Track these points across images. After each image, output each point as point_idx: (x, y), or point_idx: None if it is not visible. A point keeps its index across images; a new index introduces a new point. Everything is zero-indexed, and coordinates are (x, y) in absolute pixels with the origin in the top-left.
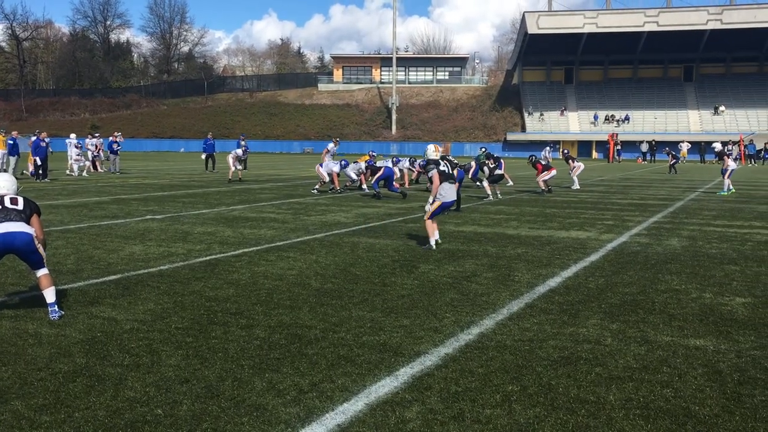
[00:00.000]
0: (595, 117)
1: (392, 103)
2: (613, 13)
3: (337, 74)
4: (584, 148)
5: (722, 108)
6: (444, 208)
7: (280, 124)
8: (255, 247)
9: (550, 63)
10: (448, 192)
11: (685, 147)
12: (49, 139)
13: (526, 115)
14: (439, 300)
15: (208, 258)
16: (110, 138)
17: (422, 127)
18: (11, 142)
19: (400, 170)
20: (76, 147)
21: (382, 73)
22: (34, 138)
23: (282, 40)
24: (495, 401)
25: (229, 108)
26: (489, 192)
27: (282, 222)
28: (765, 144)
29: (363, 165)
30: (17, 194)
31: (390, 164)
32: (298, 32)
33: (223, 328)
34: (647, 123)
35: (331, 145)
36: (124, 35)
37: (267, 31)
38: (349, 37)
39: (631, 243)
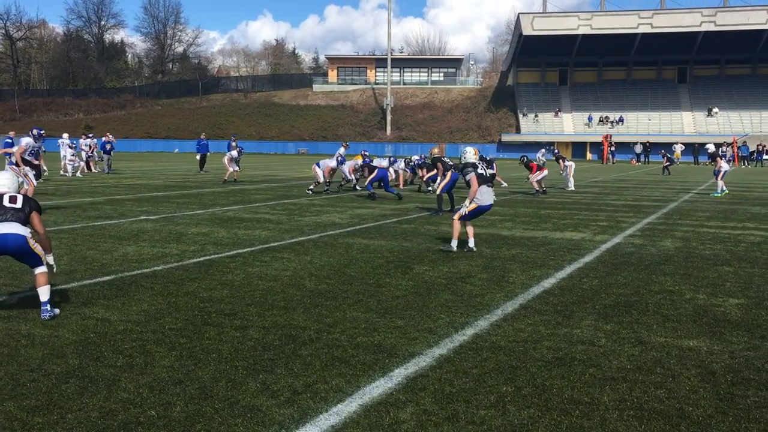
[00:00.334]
0: (590, 118)
1: (387, 104)
2: (607, 15)
3: (332, 75)
4: (578, 149)
5: (716, 110)
6: (481, 211)
7: (275, 125)
8: (249, 247)
9: (544, 64)
10: (485, 195)
11: (678, 148)
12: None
13: (520, 116)
14: (433, 301)
15: (202, 259)
16: (103, 138)
17: (417, 128)
18: (9, 141)
19: (395, 171)
20: (70, 147)
21: (377, 74)
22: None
23: (277, 40)
24: (489, 402)
25: (223, 108)
26: None
27: (276, 223)
28: (758, 145)
29: (360, 162)
30: (17, 192)
31: (386, 164)
32: (293, 33)
33: (217, 329)
34: (641, 124)
35: (342, 150)
36: (119, 35)
37: (262, 31)
38: (344, 37)
39: (625, 244)
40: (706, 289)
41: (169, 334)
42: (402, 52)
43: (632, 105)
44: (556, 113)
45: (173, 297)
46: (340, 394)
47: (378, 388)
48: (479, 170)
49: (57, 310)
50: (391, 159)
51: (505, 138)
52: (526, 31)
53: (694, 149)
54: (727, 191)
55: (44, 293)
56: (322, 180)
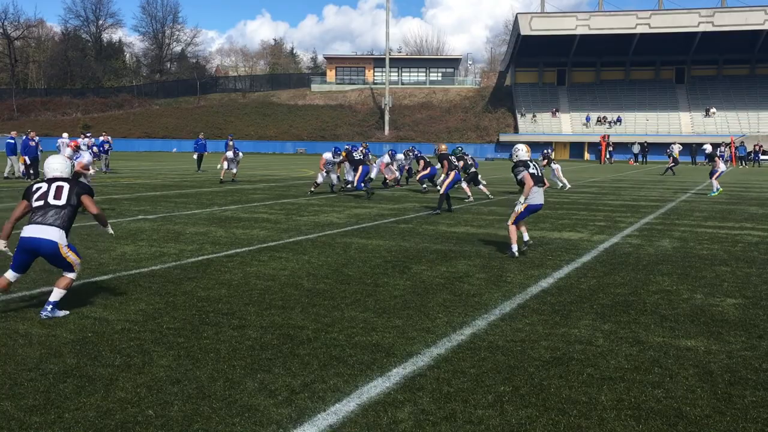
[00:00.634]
0: (588, 118)
1: (385, 104)
2: (605, 15)
3: (330, 75)
4: (576, 149)
5: (713, 110)
6: (530, 211)
7: (273, 125)
8: (247, 247)
9: (542, 64)
10: (536, 195)
11: (676, 149)
12: (38, 138)
13: (518, 116)
14: (431, 300)
15: (200, 258)
16: (101, 138)
17: (415, 128)
18: (11, 141)
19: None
20: (69, 147)
21: (375, 73)
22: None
23: (275, 40)
24: (487, 402)
25: (221, 108)
26: (469, 192)
27: (274, 222)
28: (755, 146)
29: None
30: (69, 177)
31: (387, 158)
32: (292, 33)
33: (215, 328)
34: (639, 124)
35: (361, 149)
36: (117, 35)
37: (260, 31)
38: (342, 37)
39: (623, 244)
40: (703, 289)
41: (167, 333)
42: (400, 52)
43: (630, 105)
44: (554, 113)
45: (171, 296)
46: (338, 393)
47: (376, 387)
48: (531, 169)
49: (61, 312)
50: (391, 152)
51: (503, 138)
52: (524, 31)
53: (692, 149)
54: (721, 189)
55: (57, 294)
56: (320, 182)
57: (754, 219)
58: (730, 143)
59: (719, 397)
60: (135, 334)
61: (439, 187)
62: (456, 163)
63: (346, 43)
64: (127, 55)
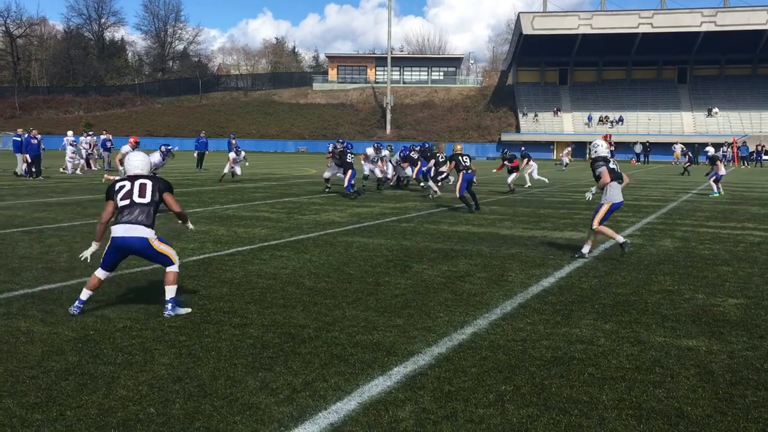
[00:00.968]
0: (589, 118)
1: (387, 103)
2: (607, 15)
3: (332, 74)
4: (578, 149)
5: (715, 110)
6: (613, 209)
7: (275, 124)
8: (249, 245)
9: (544, 64)
10: (616, 193)
11: (678, 149)
12: (40, 136)
13: (520, 115)
14: (432, 300)
15: (201, 257)
16: (103, 136)
17: (417, 127)
18: (17, 139)
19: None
20: (71, 145)
21: (377, 72)
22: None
23: (277, 39)
24: (488, 401)
25: (223, 107)
26: (435, 188)
27: (276, 221)
28: (757, 146)
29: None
30: (150, 173)
31: (386, 152)
32: (293, 31)
33: (217, 326)
34: (641, 124)
35: (370, 150)
36: (119, 33)
37: (262, 30)
38: (344, 36)
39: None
40: (705, 289)
41: (169, 331)
42: (402, 51)
43: (632, 105)
44: (556, 113)
45: None
46: (339, 392)
47: (377, 386)
48: (611, 165)
49: (183, 310)
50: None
51: (505, 137)
52: (527, 30)
53: (694, 149)
54: (722, 192)
55: (169, 291)
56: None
57: (756, 219)
58: (733, 143)
59: (720, 397)
60: (136, 332)
61: (455, 191)
62: (467, 164)
63: (347, 42)
64: (130, 54)
